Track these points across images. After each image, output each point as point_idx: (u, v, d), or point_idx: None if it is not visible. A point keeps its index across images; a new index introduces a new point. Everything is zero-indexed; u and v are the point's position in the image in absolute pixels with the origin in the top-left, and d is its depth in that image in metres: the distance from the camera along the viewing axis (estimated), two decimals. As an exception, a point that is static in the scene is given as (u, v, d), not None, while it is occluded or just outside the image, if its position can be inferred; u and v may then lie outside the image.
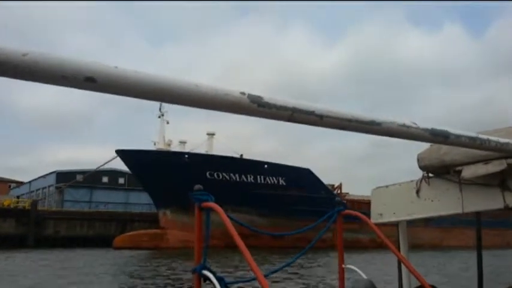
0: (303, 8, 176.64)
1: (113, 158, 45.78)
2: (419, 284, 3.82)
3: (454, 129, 1.92)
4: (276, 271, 4.29)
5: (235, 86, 1.74)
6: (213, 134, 48.28)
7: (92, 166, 53.34)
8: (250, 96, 1.76)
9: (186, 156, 42.93)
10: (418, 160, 4.12)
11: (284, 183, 43.55)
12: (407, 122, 1.81)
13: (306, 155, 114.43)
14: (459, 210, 3.97)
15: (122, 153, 43.68)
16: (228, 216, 2.69)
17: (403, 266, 4.50)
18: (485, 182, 3.68)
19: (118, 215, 51.46)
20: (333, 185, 51.25)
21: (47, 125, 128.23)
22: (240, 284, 3.46)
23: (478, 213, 4.78)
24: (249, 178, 43.52)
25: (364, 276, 3.85)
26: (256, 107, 1.76)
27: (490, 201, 3.77)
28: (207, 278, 2.85)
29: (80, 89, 1.67)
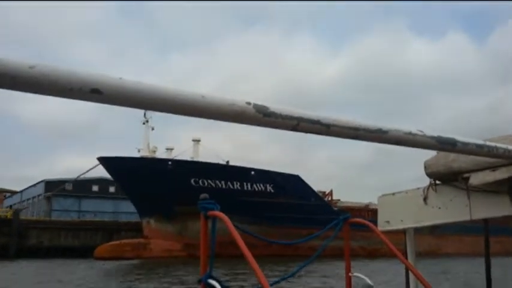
0: (307, 18, 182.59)
1: (96, 166, 45.51)
2: None
3: (461, 137, 1.99)
4: (282, 280, 4.34)
5: (241, 95, 1.80)
6: (198, 140, 48.26)
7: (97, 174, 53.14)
8: (255, 106, 1.82)
9: (170, 163, 42.80)
10: (425, 167, 4.21)
11: (272, 190, 43.63)
12: (414, 130, 1.88)
13: (309, 162, 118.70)
14: (467, 218, 4.06)
15: (104, 161, 43.42)
16: (235, 225, 2.73)
17: (410, 274, 4.58)
18: (493, 189, 3.76)
19: (104, 224, 51.52)
20: (324, 192, 51.48)
21: (53, 134, 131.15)
22: None
23: (486, 221, 4.89)
24: (235, 185, 43.51)
25: (371, 283, 3.93)
26: (261, 117, 1.82)
27: (498, 208, 3.86)
28: None
29: (86, 101, 1.72)
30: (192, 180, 41.81)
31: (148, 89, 1.74)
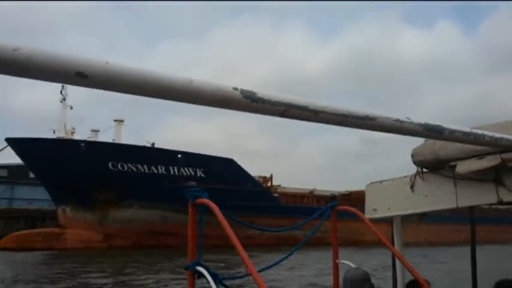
0: (298, 8, 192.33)
1: (4, 148, 43.60)
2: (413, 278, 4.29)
3: (448, 124, 2.24)
4: (269, 267, 4.60)
5: (232, 84, 1.95)
6: (121, 121, 47.24)
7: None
8: (243, 91, 1.98)
9: (83, 144, 41.57)
10: (412, 155, 4.56)
11: (203, 175, 43.55)
12: (402, 118, 2.11)
13: (300, 152, 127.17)
14: (453, 205, 4.43)
15: (12, 142, 41.70)
16: (224, 214, 2.91)
17: (397, 261, 4.96)
18: (479, 177, 4.08)
19: (28, 212, 50.08)
20: (264, 177, 51.91)
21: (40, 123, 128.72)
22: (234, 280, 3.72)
23: (471, 208, 5.32)
24: (160, 169, 43.09)
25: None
26: (249, 103, 1.99)
27: (484, 196, 4.21)
28: (201, 275, 3.11)
29: (71, 85, 1.82)
30: (110, 164, 41.09)
31: (135, 73, 1.85)
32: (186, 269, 3.22)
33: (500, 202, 4.14)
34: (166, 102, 1.99)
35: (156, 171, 42.95)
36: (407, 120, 2.12)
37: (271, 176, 52.27)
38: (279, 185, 53.32)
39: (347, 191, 55.12)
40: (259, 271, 2.92)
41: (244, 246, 2.85)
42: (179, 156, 43.71)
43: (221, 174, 43.59)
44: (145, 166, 42.55)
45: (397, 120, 2.09)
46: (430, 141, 4.21)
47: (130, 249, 37.46)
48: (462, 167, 4.03)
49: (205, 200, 3.19)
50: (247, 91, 1.98)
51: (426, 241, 40.46)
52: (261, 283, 2.63)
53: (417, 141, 4.40)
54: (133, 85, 1.86)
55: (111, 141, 45.65)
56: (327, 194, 54.45)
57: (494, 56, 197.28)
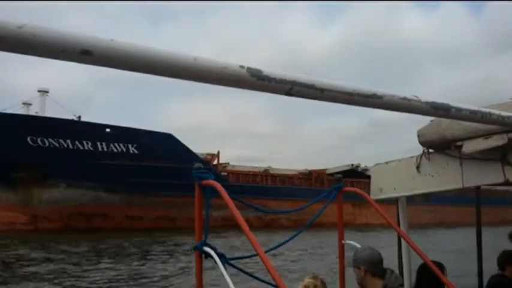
0: None
1: None
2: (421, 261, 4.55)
3: (455, 103, 2.45)
4: (275, 247, 4.85)
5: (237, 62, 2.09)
6: (46, 92, 46.08)
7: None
8: (249, 69, 2.13)
9: None
10: (418, 136, 4.82)
11: (136, 152, 43.20)
12: (409, 96, 2.29)
13: (304, 134, 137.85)
14: (459, 185, 4.71)
15: None
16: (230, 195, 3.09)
17: (403, 242, 5.23)
18: (485, 156, 4.33)
19: None
20: (212, 154, 51.65)
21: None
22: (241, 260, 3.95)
23: (478, 188, 5.62)
24: (86, 145, 42.37)
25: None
26: (255, 81, 2.13)
27: (490, 175, 4.47)
28: (208, 255, 3.34)
29: (76, 62, 1.93)
30: (29, 139, 40.20)
31: (140, 51, 1.98)
32: (193, 249, 3.47)
33: (507, 182, 4.38)
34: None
35: (81, 147, 42.28)
36: (415, 98, 2.30)
37: (218, 153, 51.91)
38: (228, 163, 53.18)
39: (306, 170, 56.00)
40: (266, 252, 3.12)
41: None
42: (107, 130, 43.08)
43: (158, 151, 43.41)
44: (68, 141, 41.74)
45: (404, 98, 2.28)
46: (436, 121, 4.46)
47: (60, 232, 37.16)
48: (468, 147, 4.27)
49: (212, 182, 3.41)
50: (253, 69, 2.12)
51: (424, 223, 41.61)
52: (269, 264, 2.83)
53: (424, 123, 4.66)
54: (138, 63, 1.98)
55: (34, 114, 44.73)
56: (283, 172, 55.18)
57: (501, 37, 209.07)
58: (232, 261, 3.49)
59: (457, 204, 47.89)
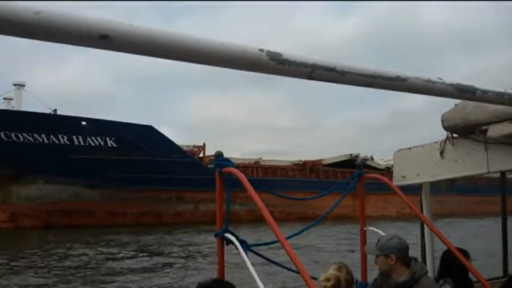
0: None
1: None
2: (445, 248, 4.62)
3: (480, 85, 2.48)
4: (296, 234, 4.97)
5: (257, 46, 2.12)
6: (22, 85, 45.82)
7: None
8: (269, 52, 2.15)
9: None
10: (442, 121, 4.87)
11: (115, 145, 43.08)
12: (433, 78, 2.32)
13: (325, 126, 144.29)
14: (484, 170, 4.77)
15: None
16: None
17: (426, 230, 5.30)
18: (511, 141, 4.39)
19: None
20: (198, 147, 51.45)
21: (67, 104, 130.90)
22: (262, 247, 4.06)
23: (503, 174, 5.67)
24: (62, 139, 42.27)
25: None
26: (275, 65, 2.16)
27: None
28: (229, 241, 3.52)
29: (95, 48, 1.95)
30: (3, 134, 40.10)
31: (162, 36, 1.99)
32: (215, 236, 3.62)
33: None
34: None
35: (57, 142, 42.19)
36: (439, 80, 2.33)
37: (204, 145, 51.55)
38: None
39: (300, 161, 56.02)
40: (287, 238, 3.20)
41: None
42: (83, 123, 42.96)
43: (138, 144, 43.33)
44: (43, 136, 41.61)
45: (429, 80, 2.31)
46: (460, 105, 4.51)
47: (41, 230, 37.29)
48: (493, 131, 4.34)
49: (232, 169, 3.55)
50: (274, 52, 2.15)
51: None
52: (290, 250, 2.89)
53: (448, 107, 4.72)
54: (158, 48, 1.99)
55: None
56: (275, 164, 55.19)
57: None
58: (253, 248, 3.64)
59: (466, 194, 48.29)
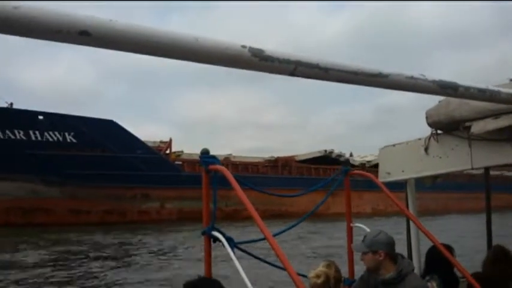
0: None
1: None
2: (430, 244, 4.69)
3: (463, 81, 2.53)
4: (283, 231, 5.03)
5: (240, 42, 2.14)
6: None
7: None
8: (251, 49, 2.16)
9: None
10: (426, 117, 4.95)
11: (74, 140, 42.41)
12: (416, 74, 2.35)
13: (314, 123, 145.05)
14: (468, 166, 4.88)
15: None
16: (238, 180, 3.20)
17: (412, 226, 5.38)
18: (495, 137, 4.48)
19: None
20: (165, 142, 50.90)
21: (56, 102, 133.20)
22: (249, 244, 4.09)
23: (486, 170, 5.77)
24: (17, 134, 41.49)
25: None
26: (258, 61, 2.17)
27: (499, 156, 4.64)
28: (216, 239, 3.57)
29: (75, 44, 1.95)
30: None
31: (141, 32, 2.00)
32: (202, 234, 3.68)
33: None
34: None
35: (12, 137, 41.44)
36: (421, 77, 2.37)
37: (170, 140, 50.70)
38: (182, 152, 52.10)
39: (272, 157, 55.90)
40: (274, 235, 3.24)
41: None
42: (40, 118, 42.15)
43: (99, 140, 42.80)
44: None
45: (411, 77, 2.34)
46: (444, 102, 4.59)
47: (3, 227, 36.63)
48: (477, 127, 4.42)
49: (218, 167, 3.58)
50: (256, 49, 2.16)
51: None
52: (277, 247, 2.92)
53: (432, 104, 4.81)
54: (138, 44, 1.99)
55: None
56: (246, 160, 55.08)
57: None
58: (240, 246, 3.69)
59: (445, 191, 48.78)
